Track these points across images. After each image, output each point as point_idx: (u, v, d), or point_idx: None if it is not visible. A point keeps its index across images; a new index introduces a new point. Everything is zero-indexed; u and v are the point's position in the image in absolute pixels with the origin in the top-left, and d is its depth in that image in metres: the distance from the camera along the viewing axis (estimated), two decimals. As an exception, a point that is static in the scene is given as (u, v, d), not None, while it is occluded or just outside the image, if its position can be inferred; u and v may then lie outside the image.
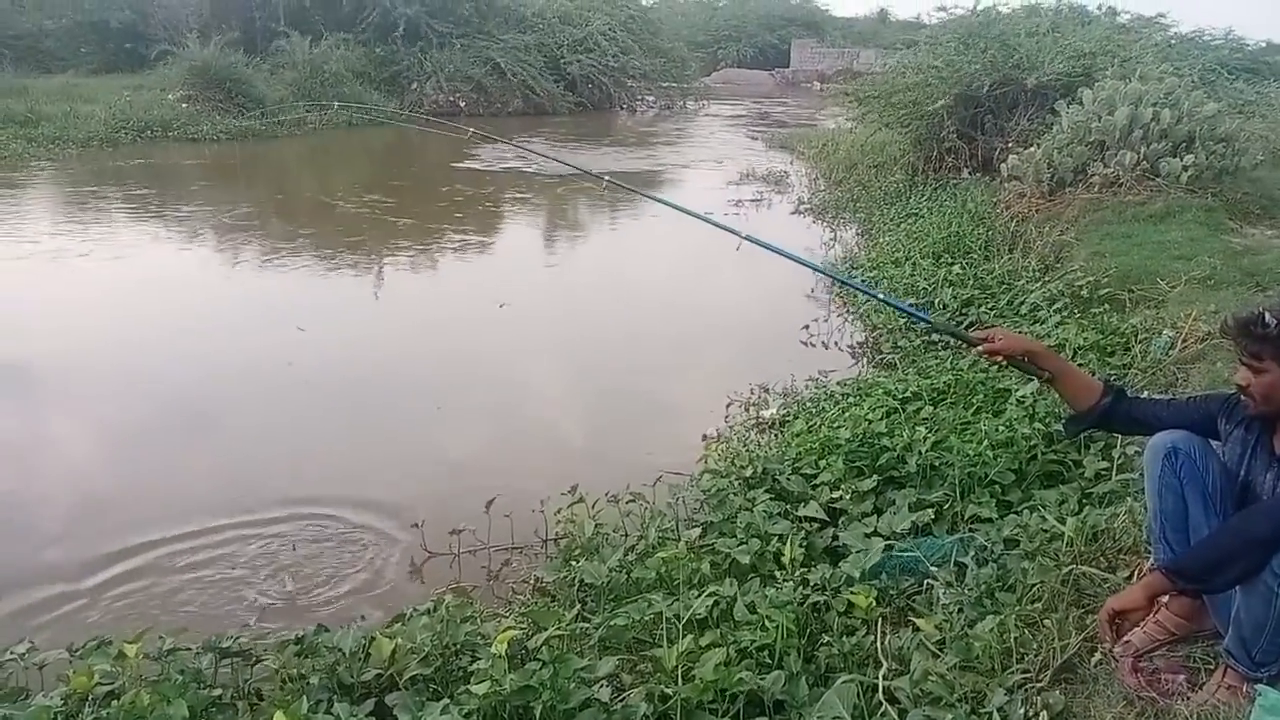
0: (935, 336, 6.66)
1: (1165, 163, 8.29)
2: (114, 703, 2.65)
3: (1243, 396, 2.39)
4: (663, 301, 8.79)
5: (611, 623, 3.20)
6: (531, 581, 4.01)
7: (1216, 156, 8.42)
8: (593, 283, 10.12)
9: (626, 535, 4.10)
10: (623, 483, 4.46)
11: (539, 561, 4.18)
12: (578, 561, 3.77)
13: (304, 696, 2.72)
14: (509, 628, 2.93)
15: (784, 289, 8.82)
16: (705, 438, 5.38)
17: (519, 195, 14.44)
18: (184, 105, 19.87)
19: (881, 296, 4.35)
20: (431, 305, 8.91)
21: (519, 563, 4.27)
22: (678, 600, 3.25)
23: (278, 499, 4.85)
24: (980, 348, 2.74)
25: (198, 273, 9.75)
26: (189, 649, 3.10)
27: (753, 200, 13.62)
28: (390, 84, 24.63)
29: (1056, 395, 2.88)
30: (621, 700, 2.71)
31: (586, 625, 3.28)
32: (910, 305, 3.17)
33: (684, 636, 2.99)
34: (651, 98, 30.73)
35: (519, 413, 6.06)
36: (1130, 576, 2.94)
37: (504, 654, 2.70)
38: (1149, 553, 2.71)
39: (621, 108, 29.00)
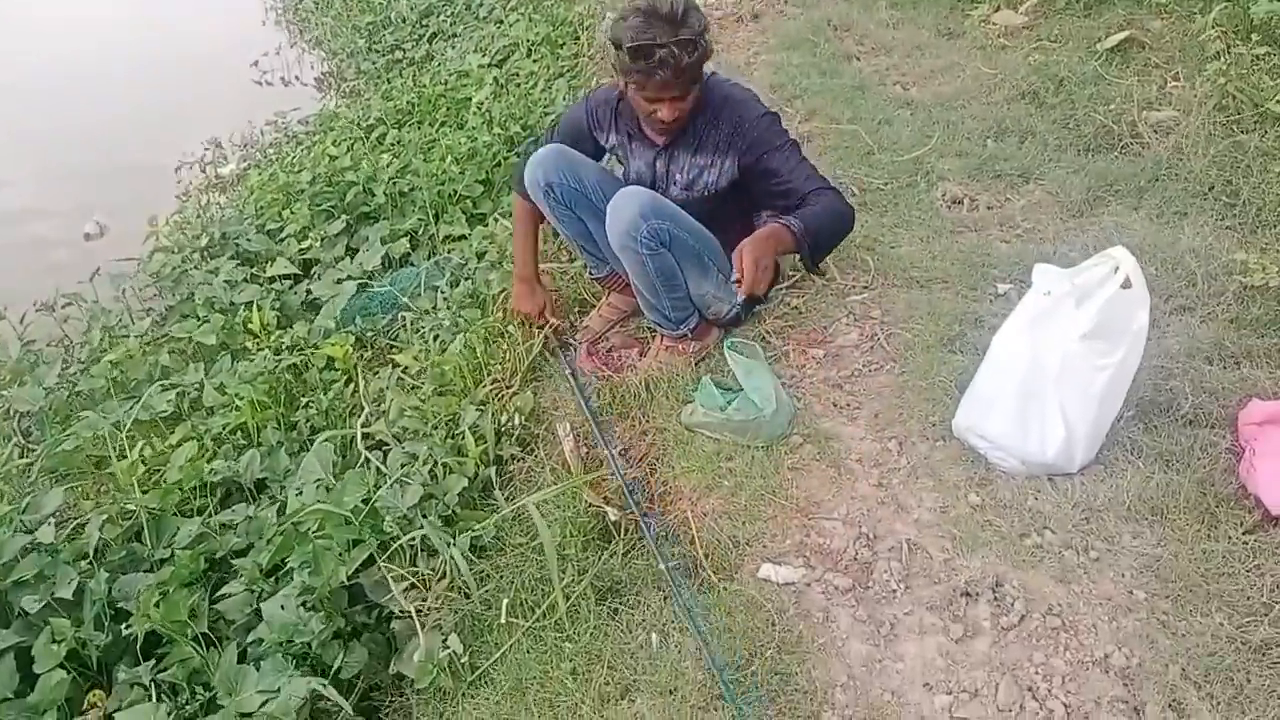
0: (399, 54, 6.28)
1: None
2: None
3: (663, 127, 2.32)
4: (83, 50, 7.32)
5: (56, 450, 2.76)
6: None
7: None
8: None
9: (70, 344, 3.52)
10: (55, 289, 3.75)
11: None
12: (8, 390, 3.17)
13: None
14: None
15: (230, 27, 7.78)
16: (151, 220, 4.63)
17: None
18: None
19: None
20: None
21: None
22: (138, 403, 2.87)
23: None
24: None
25: None
26: None
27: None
28: None
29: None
30: (70, 535, 2.36)
31: (29, 461, 2.81)
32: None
33: (147, 440, 2.66)
34: None
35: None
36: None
37: (-103, 532, 2.19)
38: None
39: None
